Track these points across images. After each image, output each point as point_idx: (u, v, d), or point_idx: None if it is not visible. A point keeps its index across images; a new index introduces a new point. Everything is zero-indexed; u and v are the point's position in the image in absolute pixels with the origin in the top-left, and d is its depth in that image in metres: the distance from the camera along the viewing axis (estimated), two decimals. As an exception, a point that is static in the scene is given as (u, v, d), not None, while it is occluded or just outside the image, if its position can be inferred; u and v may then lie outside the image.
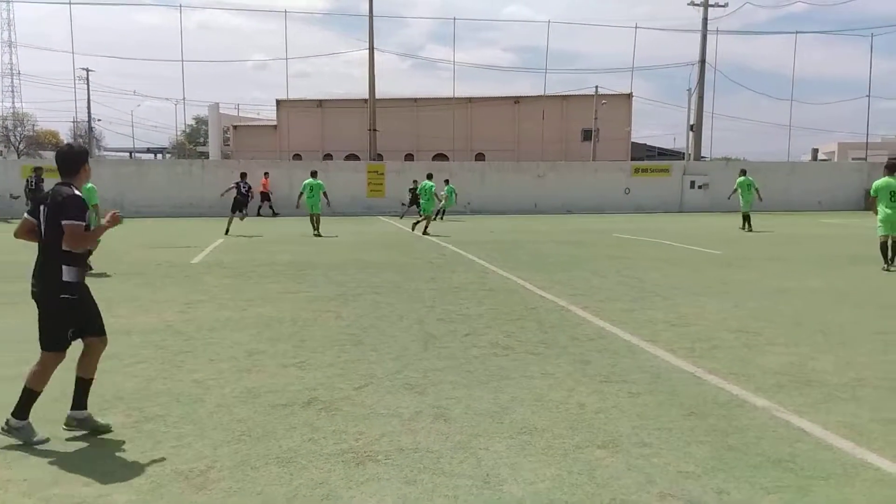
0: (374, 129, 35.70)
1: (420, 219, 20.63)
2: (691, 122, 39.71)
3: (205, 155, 60.90)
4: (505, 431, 4.24)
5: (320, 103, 56.45)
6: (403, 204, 30.34)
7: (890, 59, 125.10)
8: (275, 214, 28.65)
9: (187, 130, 75.47)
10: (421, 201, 21.08)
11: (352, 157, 47.75)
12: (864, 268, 11.90)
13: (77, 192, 4.18)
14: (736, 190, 21.60)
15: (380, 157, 36.99)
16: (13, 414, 4.15)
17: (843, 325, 7.32)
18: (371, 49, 34.87)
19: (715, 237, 18.49)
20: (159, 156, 71.89)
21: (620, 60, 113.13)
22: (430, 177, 21.11)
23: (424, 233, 19.51)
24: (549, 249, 15.53)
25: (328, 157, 49.69)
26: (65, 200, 4.11)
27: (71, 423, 4.27)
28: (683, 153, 44.75)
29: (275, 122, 57.17)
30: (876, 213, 12.18)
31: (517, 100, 54.56)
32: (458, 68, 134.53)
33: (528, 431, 4.24)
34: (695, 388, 5.13)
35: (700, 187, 34.08)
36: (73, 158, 4.31)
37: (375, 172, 31.73)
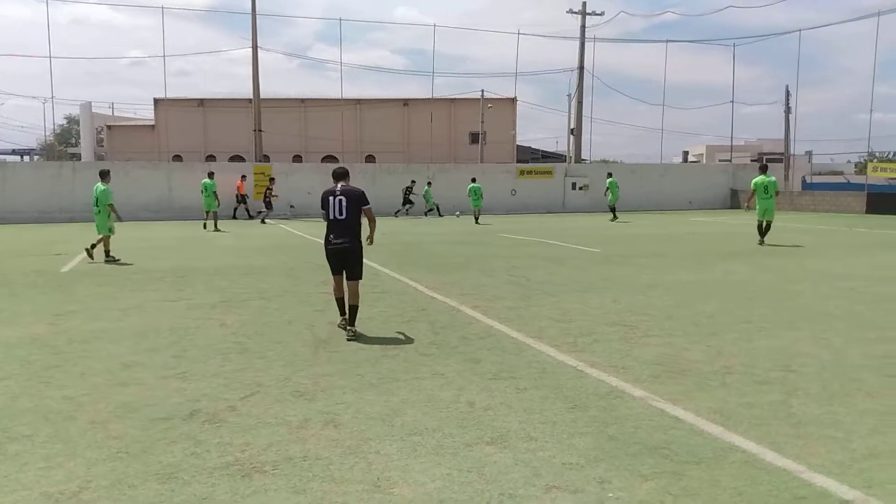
0: (260, 130, 34.75)
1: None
2: (572, 126, 41.21)
3: (76, 156, 57.23)
4: (395, 434, 4.24)
5: (201, 102, 54.34)
6: (292, 206, 29.76)
7: (751, 68, 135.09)
8: (251, 217, 28.40)
9: (57, 131, 70.69)
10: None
11: (237, 157, 46.31)
12: (730, 262, 12.76)
13: None
14: (608, 189, 26.40)
15: (266, 159, 36.06)
16: None
17: (712, 315, 7.81)
18: (254, 47, 33.95)
19: (595, 236, 19.27)
20: (26, 157, 66.95)
21: (505, 65, 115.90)
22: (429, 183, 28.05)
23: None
24: (440, 250, 15.68)
25: (211, 158, 47.93)
26: None
27: None
28: (565, 156, 46.37)
29: (153, 122, 54.57)
30: (753, 204, 16.30)
31: (406, 102, 54.71)
32: (347, 69, 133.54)
33: (419, 433, 4.26)
34: (578, 381, 5.32)
35: (581, 188, 35.46)
36: None
37: (262, 174, 30.89)
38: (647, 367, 5.68)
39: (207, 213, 22.58)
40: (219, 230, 21.89)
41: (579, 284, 10.26)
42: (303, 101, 53.39)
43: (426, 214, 30.53)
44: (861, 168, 41.86)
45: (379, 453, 3.94)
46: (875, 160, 41.12)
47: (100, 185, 13.88)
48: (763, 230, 16.00)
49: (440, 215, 30.20)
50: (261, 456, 3.91)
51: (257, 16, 33.69)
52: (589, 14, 39.20)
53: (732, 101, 44.37)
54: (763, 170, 17.03)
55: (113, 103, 65.65)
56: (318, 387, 5.22)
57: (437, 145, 48.54)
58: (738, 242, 16.84)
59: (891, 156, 55.56)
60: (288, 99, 52.65)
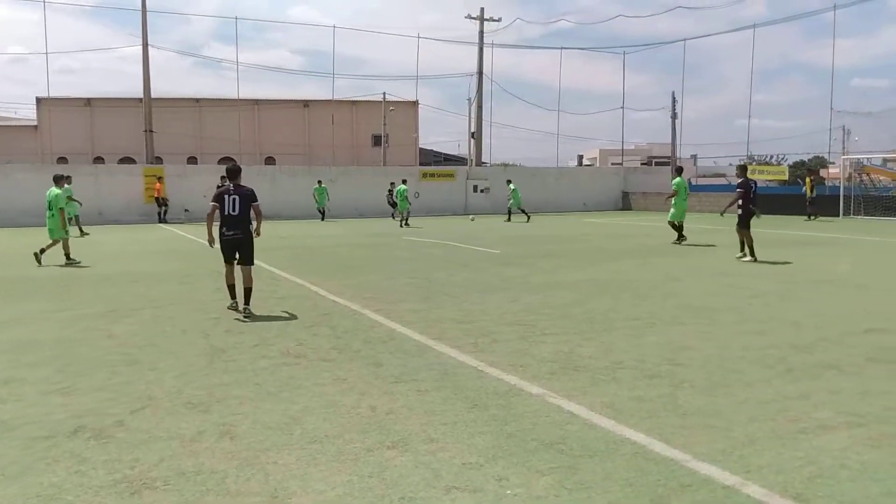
0: (151, 130, 33.34)
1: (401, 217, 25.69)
2: (472, 130, 41.83)
3: (-55, 158, 52.97)
4: (295, 443, 4.17)
5: (88, 102, 51.67)
6: (186, 210, 28.73)
7: (640, 75, 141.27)
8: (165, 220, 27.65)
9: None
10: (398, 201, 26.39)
11: (127, 160, 44.25)
12: (621, 261, 13.30)
13: None
14: (511, 194, 28.01)
15: (159, 160, 34.63)
16: None
17: (604, 313, 8.12)
18: (145, 45, 32.55)
19: (495, 237, 19.63)
20: None
21: (407, 68, 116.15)
22: (404, 182, 26.92)
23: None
24: (342, 254, 15.54)
25: (99, 160, 45.60)
26: None
27: None
28: (467, 159, 47.00)
29: (35, 122, 51.33)
30: (671, 203, 16.61)
31: (306, 103, 53.96)
32: (244, 69, 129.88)
33: (319, 440, 4.21)
34: (478, 381, 5.41)
35: (482, 191, 36.04)
36: None
37: (154, 176, 29.63)
38: (544, 365, 5.84)
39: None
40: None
41: (480, 285, 10.42)
42: (198, 100, 51.71)
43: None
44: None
45: (277, 463, 3.87)
46: (754, 163, 43.92)
47: (54, 190, 13.72)
48: (680, 229, 16.52)
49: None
50: (151, 472, 3.75)
51: (148, 12, 32.34)
52: (487, 20, 39.95)
53: (623, 107, 46.31)
54: (679, 171, 17.65)
55: (-12, 101, 61.18)
56: (214, 398, 5.06)
57: (339, 147, 48.13)
58: (628, 242, 17.59)
59: (768, 159, 59.43)
60: (182, 98, 50.82)
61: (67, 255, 13.69)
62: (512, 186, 28.43)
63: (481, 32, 39.74)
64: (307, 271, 12.22)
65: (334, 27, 43.84)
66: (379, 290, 10.01)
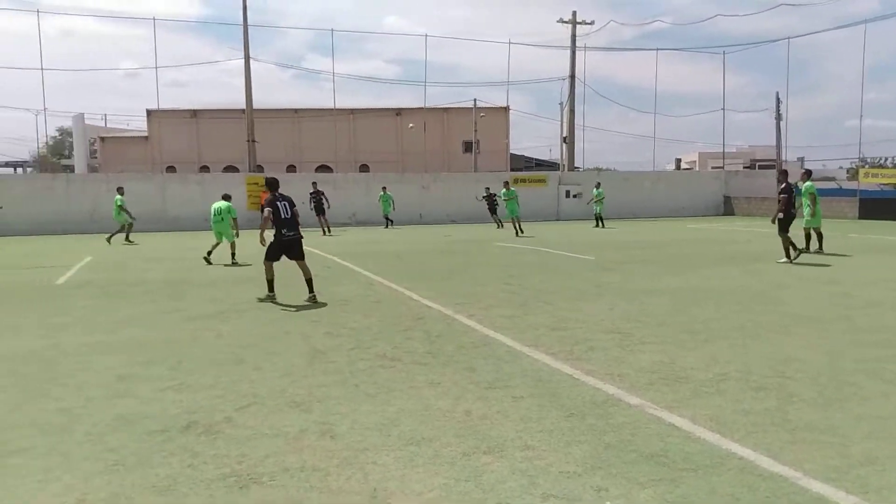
0: (253, 140, 34.79)
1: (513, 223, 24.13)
2: (564, 135, 41.37)
3: (70, 168, 57.09)
4: (392, 444, 4.24)
5: (195, 113, 54.36)
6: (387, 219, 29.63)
7: (741, 75, 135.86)
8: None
9: (50, 143, 70.52)
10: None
11: (230, 168, 46.29)
12: (723, 268, 12.81)
13: None
14: (592, 198, 27.72)
15: (260, 169, 36.06)
16: None
17: (706, 322, 7.84)
18: (247, 58, 34.02)
19: (588, 243, 19.32)
20: (20, 170, 66.74)
21: (498, 74, 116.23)
22: (506, 185, 25.37)
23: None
24: (436, 259, 15.70)
25: (205, 168, 47.92)
26: None
27: None
28: (559, 164, 46.54)
29: (146, 134, 54.54)
30: (814, 209, 15.51)
31: (399, 111, 54.85)
32: (340, 80, 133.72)
33: (416, 442, 4.26)
34: (574, 389, 5.34)
35: (574, 196, 35.55)
36: None
37: (255, 184, 30.86)
38: (642, 375, 5.70)
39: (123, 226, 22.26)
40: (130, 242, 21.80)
41: (574, 292, 10.29)
42: (296, 111, 53.49)
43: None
44: (853, 174, 42.10)
45: (376, 464, 3.95)
46: (866, 166, 41.40)
47: (223, 203, 15.58)
48: (813, 238, 15.57)
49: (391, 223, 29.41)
50: (258, 467, 3.91)
51: (249, 26, 33.77)
52: (579, 23, 39.43)
53: (724, 109, 44.54)
54: (808, 175, 16.34)
55: (106, 115, 65.71)
56: (314, 397, 5.22)
57: (431, 154, 48.66)
58: (730, 248, 16.92)
59: (881, 162, 55.89)
60: (281, 109, 52.73)
61: (233, 255, 15.19)
62: (503, 194, 27.89)
63: (573, 36, 39.30)
64: (400, 276, 12.41)
65: (426, 36, 44.40)
66: (471, 296, 10.04)
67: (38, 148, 72.38)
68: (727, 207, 37.69)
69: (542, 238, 21.67)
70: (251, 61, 33.98)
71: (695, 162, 66.13)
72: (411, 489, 3.60)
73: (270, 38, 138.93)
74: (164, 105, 47.93)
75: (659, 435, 4.33)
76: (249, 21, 33.66)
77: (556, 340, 7.02)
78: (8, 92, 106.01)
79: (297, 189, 29.73)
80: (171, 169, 46.48)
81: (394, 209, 29.60)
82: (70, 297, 10.52)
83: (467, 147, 54.29)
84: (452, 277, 12.32)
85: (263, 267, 10.07)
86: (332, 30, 40.86)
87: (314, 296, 9.68)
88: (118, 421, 4.75)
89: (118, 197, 22.39)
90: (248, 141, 34.75)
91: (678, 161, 61.37)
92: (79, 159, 55.14)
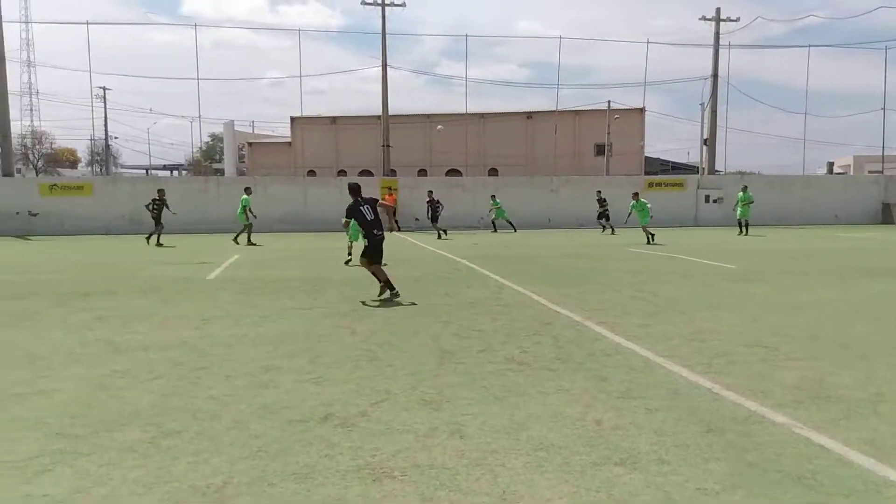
0: (388, 145, 35.89)
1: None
2: (705, 137, 39.62)
3: (220, 172, 61.39)
4: (521, 448, 4.22)
5: (334, 120, 56.89)
6: (417, 219, 30.40)
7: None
8: (399, 229, 28.91)
9: (203, 148, 76.19)
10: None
11: (365, 172, 47.98)
12: (879, 281, 11.78)
13: None
14: (737, 203, 26.59)
15: (393, 173, 37.15)
16: None
17: (860, 338, 7.24)
18: (384, 66, 35.14)
19: (729, 251, 18.38)
20: (175, 173, 72.57)
21: (633, 75, 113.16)
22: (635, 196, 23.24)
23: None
24: (564, 264, 15.50)
25: (342, 172, 49.96)
26: None
27: None
28: (697, 167, 44.63)
29: (289, 139, 57.63)
30: None
31: (530, 115, 54.72)
32: (472, 84, 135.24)
33: (545, 448, 4.22)
34: (712, 404, 5.09)
35: (715, 201, 33.95)
36: None
37: (388, 188, 31.85)
38: (789, 392, 5.34)
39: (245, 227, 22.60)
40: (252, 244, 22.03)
41: (712, 302, 9.82)
42: (428, 116, 54.64)
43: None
44: None
45: (504, 466, 3.94)
46: None
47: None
48: None
49: (495, 230, 28.92)
50: (390, 462, 4.02)
51: (387, 35, 34.86)
52: (723, 20, 37.67)
53: (884, 109, 41.04)
54: None
55: (253, 121, 69.94)
56: (444, 397, 5.30)
57: (561, 157, 48.08)
58: (889, 260, 15.53)
59: None
60: (414, 115, 54.06)
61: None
62: (497, 200, 28.69)
63: (717, 34, 37.59)
64: (528, 280, 12.35)
65: (560, 38, 43.94)
66: (602, 302, 9.83)
67: (192, 152, 78.38)
68: (886, 215, 34.64)
69: (678, 245, 20.86)
70: (388, 69, 35.06)
71: (849, 166, 61.37)
72: (540, 495, 3.56)
73: (407, 46, 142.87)
74: (306, 112, 50.26)
75: (807, 456, 4.04)
76: (387, 30, 34.77)
77: (693, 352, 6.73)
78: (167, 100, 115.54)
79: (427, 193, 30.35)
80: (311, 173, 48.79)
81: (496, 216, 28.92)
82: (219, 292, 11.28)
83: (599, 150, 53.29)
84: (582, 283, 12.11)
85: (372, 271, 10.57)
86: (467, 35, 41.42)
87: (394, 291, 10.36)
88: (262, 410, 5.03)
89: (245, 197, 22.94)
90: (383, 146, 35.88)
91: (830, 165, 57.06)
92: (228, 163, 59.19)
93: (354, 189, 10.61)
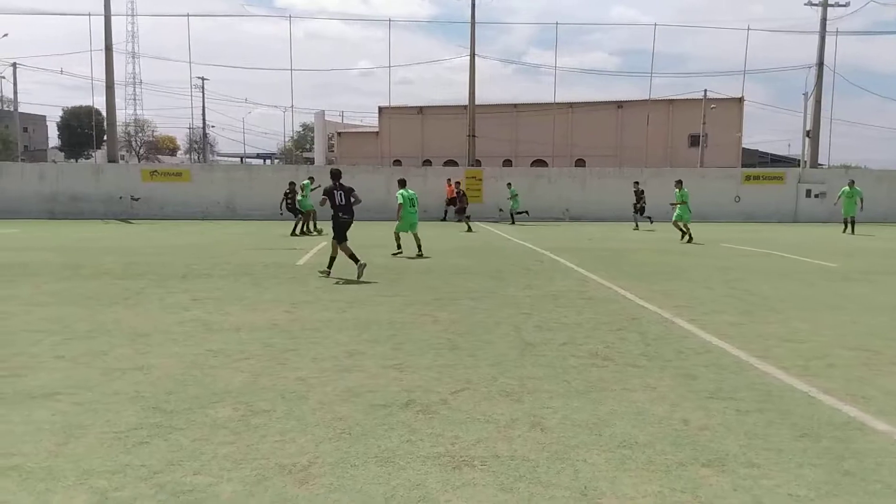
0: (473, 135, 35.89)
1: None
2: (808, 128, 37.65)
3: (310, 161, 63.04)
4: (604, 444, 4.15)
5: (420, 110, 57.38)
6: (500, 210, 30.31)
7: None
8: (460, 220, 29.06)
9: (295, 137, 78.47)
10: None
11: (450, 162, 48.18)
12: None
13: None
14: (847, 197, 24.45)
15: (478, 163, 37.14)
16: None
17: (978, 347, 6.73)
18: (472, 55, 35.11)
19: (831, 249, 17.45)
20: (268, 161, 75.05)
21: (731, 63, 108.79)
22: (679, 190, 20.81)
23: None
24: (653, 258, 15.11)
25: (427, 162, 50.37)
26: None
27: None
28: (799, 160, 42.53)
29: (377, 129, 58.54)
30: None
31: (620, 104, 53.54)
32: (561, 73, 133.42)
33: (629, 445, 4.13)
34: (808, 408, 4.84)
35: (817, 196, 32.25)
36: None
37: (473, 178, 31.86)
38: (892, 399, 5.02)
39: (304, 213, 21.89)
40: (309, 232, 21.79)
41: (810, 302, 9.35)
42: (515, 105, 54.31)
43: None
44: None
45: (586, 461, 3.88)
46: None
47: (408, 191, 15.55)
48: None
49: (513, 223, 28.15)
50: (470, 450, 4.02)
51: (476, 23, 34.79)
52: (831, 5, 35.63)
53: None
54: None
55: (343, 111, 71.57)
56: (525, 389, 5.26)
57: (652, 148, 46.82)
58: None
59: None
60: (501, 104, 53.86)
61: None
62: (513, 189, 27.86)
63: (823, 20, 35.60)
64: (615, 274, 12.10)
65: (655, 25, 42.56)
66: (692, 299, 9.52)
67: (284, 141, 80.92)
68: None
69: (775, 241, 19.97)
70: (476, 57, 35.01)
71: (968, 160, 57.03)
72: (623, 493, 3.49)
73: (495, 35, 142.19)
74: (394, 102, 51.02)
75: (914, 469, 3.79)
76: (476, 19, 34.69)
77: (789, 353, 6.42)
78: (261, 90, 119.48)
79: (512, 183, 30.22)
80: (397, 162, 49.44)
81: (514, 206, 28.09)
82: (308, 277, 11.60)
83: (694, 141, 51.61)
84: (672, 278, 11.76)
85: (341, 249, 11.86)
86: (557, 23, 40.75)
87: (328, 272, 11.73)
88: (346, 393, 5.14)
89: (305, 182, 22.54)
90: (469, 136, 35.90)
91: (946, 158, 53.22)
92: (318, 152, 60.72)
93: (335, 174, 12.14)
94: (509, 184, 28.93)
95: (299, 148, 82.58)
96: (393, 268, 12.96)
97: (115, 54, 33.14)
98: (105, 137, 36.20)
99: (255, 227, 24.57)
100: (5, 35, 57.11)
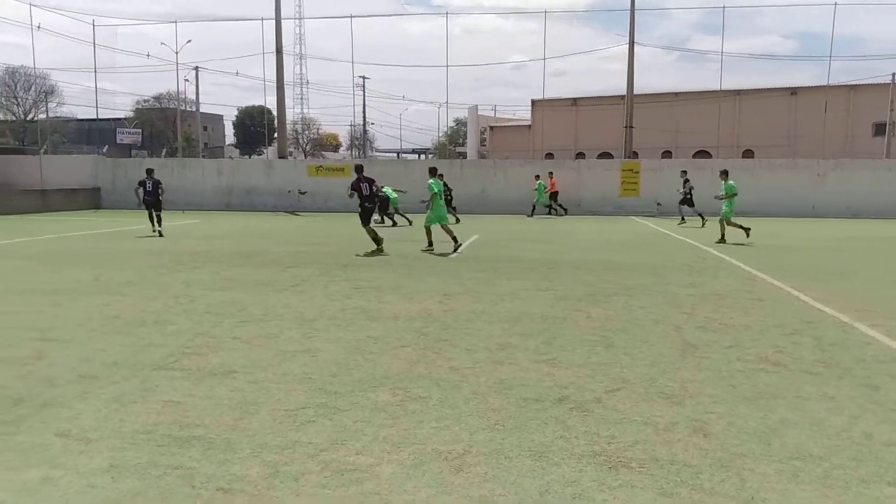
0: (630, 126, 34.79)
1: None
2: None
3: (462, 155, 64.05)
4: (773, 454, 3.88)
5: (574, 101, 56.48)
6: (659, 203, 29.21)
7: None
8: (564, 212, 29.02)
9: (448, 132, 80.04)
10: None
11: (605, 154, 47.09)
12: None
13: None
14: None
15: (635, 155, 35.97)
16: None
17: None
18: (631, 44, 34.00)
19: None
20: (422, 156, 77.15)
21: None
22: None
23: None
24: (831, 257, 13.93)
25: (580, 155, 49.55)
26: None
27: None
28: None
29: (529, 122, 58.33)
30: None
31: (794, 91, 49.79)
32: (727, 59, 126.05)
33: (802, 457, 3.83)
34: None
35: None
36: None
37: (630, 171, 30.91)
38: None
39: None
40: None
41: None
42: (676, 94, 52.08)
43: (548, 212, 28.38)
44: None
45: (754, 471, 3.65)
46: None
47: (438, 181, 15.44)
48: None
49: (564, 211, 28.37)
50: (627, 451, 3.91)
51: (635, 10, 33.67)
52: None
53: None
54: None
55: (495, 105, 71.92)
56: (686, 392, 5.03)
57: (830, 138, 43.12)
58: None
59: None
60: (660, 94, 51.83)
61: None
62: (540, 182, 27.83)
63: None
64: (786, 273, 11.27)
65: (835, 4, 38.95)
66: (876, 302, 8.67)
67: (437, 136, 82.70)
68: None
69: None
70: (634, 46, 33.90)
71: None
72: (795, 508, 3.25)
73: (655, 22, 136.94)
74: (547, 94, 50.56)
75: None
76: (636, 6, 33.58)
77: None
78: (417, 87, 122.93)
79: (670, 176, 28.99)
80: (549, 156, 49.00)
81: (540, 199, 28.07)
82: (461, 269, 11.79)
83: (879, 129, 47.00)
84: (845, 278, 10.79)
85: (366, 230, 14.24)
86: (724, 7, 38.41)
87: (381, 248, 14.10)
88: (499, 385, 5.17)
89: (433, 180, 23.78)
90: (626, 127, 34.86)
91: None
92: (471, 147, 61.51)
93: (358, 168, 14.36)
94: (537, 175, 29.00)
95: (452, 143, 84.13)
96: (545, 262, 12.87)
97: (284, 56, 35.39)
98: (275, 135, 38.84)
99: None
100: (189, 42, 62.72)
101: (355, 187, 14.09)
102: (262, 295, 9.11)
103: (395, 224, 22.73)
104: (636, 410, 4.62)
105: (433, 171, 15.17)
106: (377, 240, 14.09)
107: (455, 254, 13.97)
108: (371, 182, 14.23)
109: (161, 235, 17.70)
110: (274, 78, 35.49)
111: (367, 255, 13.63)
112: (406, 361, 5.84)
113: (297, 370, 5.58)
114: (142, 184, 18.49)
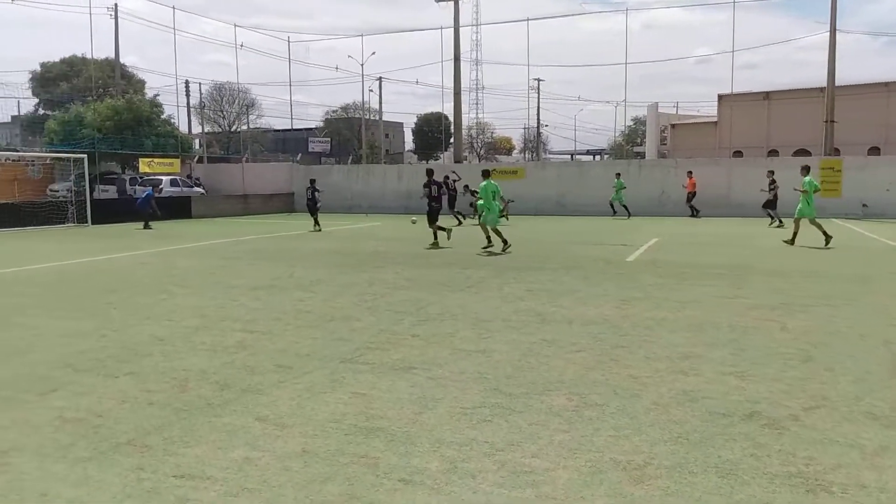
0: (831, 121, 31.80)
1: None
2: None
3: (641, 155, 61.95)
4: None
5: (767, 95, 52.62)
6: (865, 205, 26.50)
7: None
8: (696, 214, 27.74)
9: (625, 132, 77.82)
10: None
11: (801, 152, 43.40)
12: None
13: None
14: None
15: (836, 152, 32.83)
16: None
17: None
18: (832, 30, 31.10)
19: None
20: (597, 157, 75.67)
21: None
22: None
23: None
24: None
25: (773, 152, 46.06)
26: None
27: None
28: None
29: (714, 119, 55.20)
30: None
31: None
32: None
33: None
34: None
35: None
36: None
37: (831, 169, 28.24)
38: None
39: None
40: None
41: None
42: (886, 84, 46.94)
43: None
44: None
45: None
46: None
47: (492, 183, 15.17)
48: None
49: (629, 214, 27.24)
50: (828, 475, 3.57)
51: (837, -4, 30.76)
52: None
53: None
54: None
55: (677, 102, 68.79)
56: (900, 414, 4.50)
57: None
58: None
59: None
60: (867, 84, 46.93)
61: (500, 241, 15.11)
62: (620, 180, 27.67)
63: None
64: None
65: None
66: None
67: (614, 136, 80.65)
68: None
69: None
70: (836, 33, 31.01)
71: None
72: None
73: (860, 6, 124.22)
74: (736, 89, 47.42)
75: None
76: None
77: None
78: (592, 86, 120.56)
79: (880, 174, 26.04)
80: (737, 153, 46.07)
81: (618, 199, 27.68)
82: (638, 274, 11.39)
83: None
84: None
85: (433, 228, 16.00)
86: (943, -16, 33.92)
87: (435, 243, 15.89)
88: (682, 396, 4.93)
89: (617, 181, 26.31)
90: (826, 122, 31.95)
91: None
92: (650, 146, 59.40)
93: (429, 172, 16.82)
94: (618, 174, 28.33)
95: (630, 142, 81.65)
96: (734, 267, 12.11)
97: (461, 63, 36.28)
98: (451, 140, 39.90)
99: (584, 223, 24.93)
100: (373, 53, 66.17)
101: (428, 188, 16.50)
102: (439, 295, 9.38)
103: (460, 223, 23.78)
104: (838, 431, 4.20)
105: (486, 174, 15.41)
106: (435, 234, 16.08)
107: (485, 253, 14.36)
108: (440, 185, 17.01)
109: (319, 231, 21.33)
110: (451, 85, 36.52)
111: (429, 247, 15.70)
112: (581, 366, 5.74)
113: (473, 369, 5.67)
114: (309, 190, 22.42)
